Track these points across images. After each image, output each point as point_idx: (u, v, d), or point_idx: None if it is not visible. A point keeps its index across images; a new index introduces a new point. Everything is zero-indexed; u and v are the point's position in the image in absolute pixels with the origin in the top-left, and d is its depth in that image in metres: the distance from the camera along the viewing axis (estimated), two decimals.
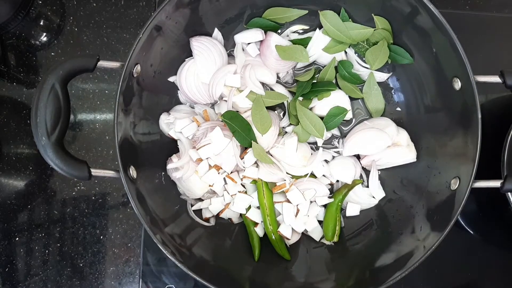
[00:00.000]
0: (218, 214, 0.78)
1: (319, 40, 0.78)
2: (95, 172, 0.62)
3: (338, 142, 0.81)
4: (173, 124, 0.76)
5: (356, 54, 0.80)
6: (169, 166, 0.74)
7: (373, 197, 0.78)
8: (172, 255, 0.61)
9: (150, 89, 0.72)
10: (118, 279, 0.82)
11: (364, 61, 0.79)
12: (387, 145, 0.75)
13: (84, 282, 0.81)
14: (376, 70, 0.79)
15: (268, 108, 0.77)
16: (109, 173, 0.62)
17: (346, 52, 0.80)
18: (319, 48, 0.78)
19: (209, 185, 0.75)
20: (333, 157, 0.80)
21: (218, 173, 0.74)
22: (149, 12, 0.89)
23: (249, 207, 0.76)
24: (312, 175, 0.77)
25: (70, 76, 0.61)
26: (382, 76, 0.80)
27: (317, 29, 0.78)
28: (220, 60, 0.77)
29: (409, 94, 0.80)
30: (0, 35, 0.86)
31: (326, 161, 0.79)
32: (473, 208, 0.86)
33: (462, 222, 0.86)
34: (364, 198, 0.78)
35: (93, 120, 0.85)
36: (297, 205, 0.76)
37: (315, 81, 0.79)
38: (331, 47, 0.78)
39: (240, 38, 0.79)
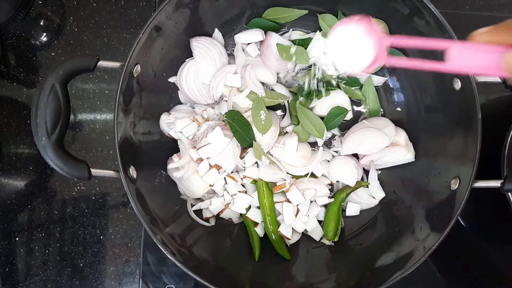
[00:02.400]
0: (218, 214, 0.78)
1: (319, 43, 0.77)
2: (95, 172, 0.62)
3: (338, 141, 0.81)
4: (174, 124, 0.76)
5: None
6: (170, 166, 0.74)
7: (373, 197, 0.78)
8: (172, 255, 0.61)
9: (150, 89, 0.72)
10: (118, 279, 0.82)
11: None
12: (385, 145, 0.75)
13: (84, 282, 0.81)
14: (374, 71, 0.79)
15: (268, 108, 0.77)
16: (109, 173, 0.62)
17: None
18: (319, 51, 0.78)
19: (210, 185, 0.75)
20: (333, 156, 0.80)
21: (219, 172, 0.74)
22: (149, 12, 0.89)
23: (249, 207, 0.76)
24: (312, 175, 0.77)
25: (70, 76, 0.61)
26: (379, 80, 0.81)
27: (317, 32, 0.78)
28: (220, 60, 0.77)
29: (409, 94, 0.80)
30: (0, 35, 0.86)
31: (328, 161, 0.79)
32: (473, 208, 0.85)
33: (462, 222, 0.86)
34: (364, 198, 0.78)
35: (93, 120, 0.85)
36: (297, 205, 0.76)
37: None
38: None
39: (240, 38, 0.79)
